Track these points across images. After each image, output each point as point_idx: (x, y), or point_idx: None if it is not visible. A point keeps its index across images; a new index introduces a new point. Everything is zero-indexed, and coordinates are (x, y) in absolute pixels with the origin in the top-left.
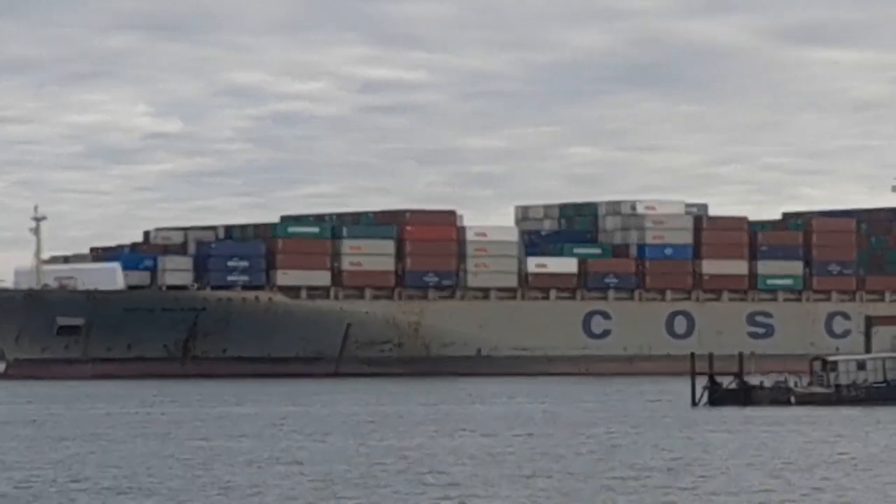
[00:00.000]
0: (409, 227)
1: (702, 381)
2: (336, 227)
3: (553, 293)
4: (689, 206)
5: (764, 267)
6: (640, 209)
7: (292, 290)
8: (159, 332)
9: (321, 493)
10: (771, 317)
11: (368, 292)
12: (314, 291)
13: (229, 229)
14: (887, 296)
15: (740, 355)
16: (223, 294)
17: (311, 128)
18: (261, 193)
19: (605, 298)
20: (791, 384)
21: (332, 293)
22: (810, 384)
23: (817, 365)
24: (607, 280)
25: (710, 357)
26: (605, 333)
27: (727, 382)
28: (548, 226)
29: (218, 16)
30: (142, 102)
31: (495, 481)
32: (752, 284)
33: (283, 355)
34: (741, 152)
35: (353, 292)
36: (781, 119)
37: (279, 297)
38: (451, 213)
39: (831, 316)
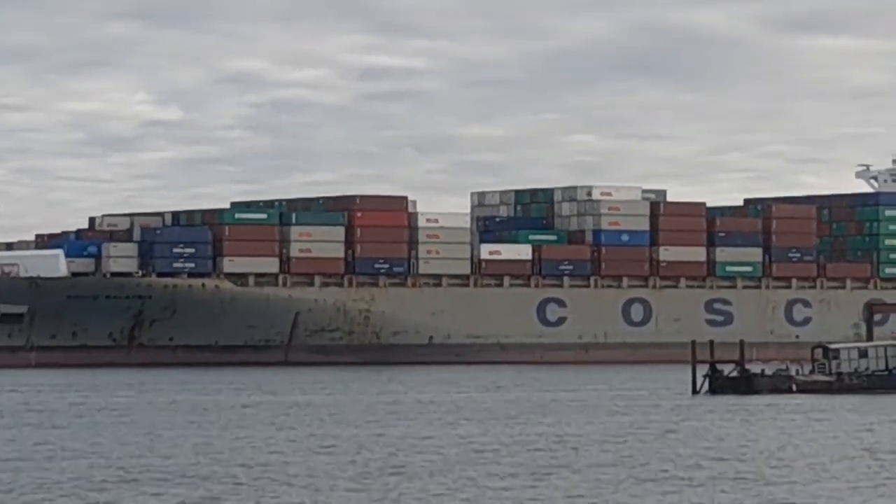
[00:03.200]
0: (359, 214)
1: (702, 369)
2: (285, 213)
3: (507, 280)
4: (646, 191)
5: (722, 254)
6: (595, 195)
7: (239, 278)
8: (104, 320)
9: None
10: (729, 304)
11: (318, 279)
12: (262, 279)
13: (176, 215)
14: (848, 283)
15: (741, 343)
16: (169, 281)
17: (310, 115)
18: (260, 181)
19: (560, 285)
20: (792, 372)
21: (280, 280)
22: (812, 372)
23: (819, 353)
24: (562, 267)
25: (711, 344)
26: (560, 321)
27: (728, 370)
28: (504, 212)
29: (217, 3)
30: (141, 90)
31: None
32: (710, 271)
33: (230, 343)
34: (740, 140)
35: (301, 279)
36: (781, 107)
37: (226, 285)
38: (402, 199)
39: (791, 303)
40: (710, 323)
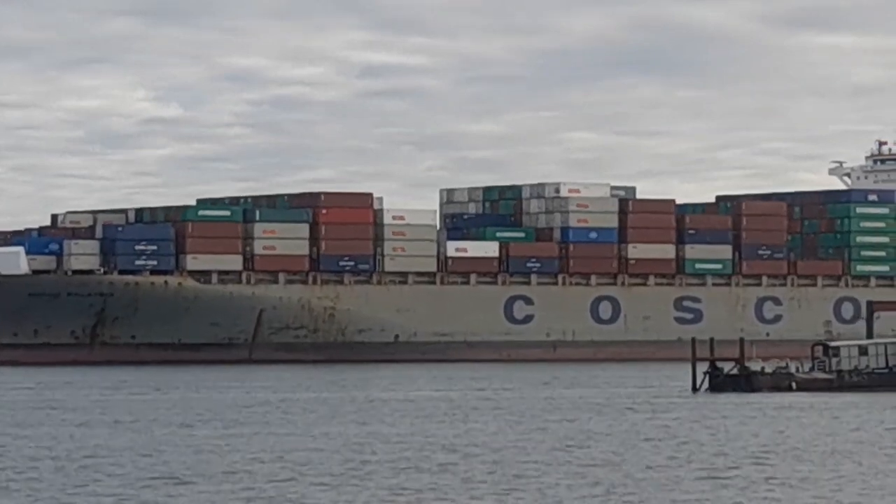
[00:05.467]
0: (324, 211)
1: (702, 367)
2: (248, 210)
3: (473, 278)
4: (614, 188)
5: (692, 251)
6: (563, 192)
7: (203, 275)
8: (66, 318)
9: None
10: (699, 302)
11: (282, 277)
12: (225, 276)
13: (140, 212)
14: (819, 281)
15: (741, 341)
16: (131, 279)
17: (310, 112)
18: (260, 178)
19: (527, 283)
20: (793, 370)
21: (244, 278)
22: (812, 370)
23: (819, 350)
24: (530, 264)
25: (711, 342)
26: (528, 319)
27: (728, 368)
28: (472, 209)
29: (217, 0)
30: (141, 87)
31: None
32: (679, 269)
33: (194, 341)
34: (740, 137)
35: (266, 277)
36: (780, 104)
37: (189, 282)
38: (368, 196)
39: (761, 301)
40: (680, 321)
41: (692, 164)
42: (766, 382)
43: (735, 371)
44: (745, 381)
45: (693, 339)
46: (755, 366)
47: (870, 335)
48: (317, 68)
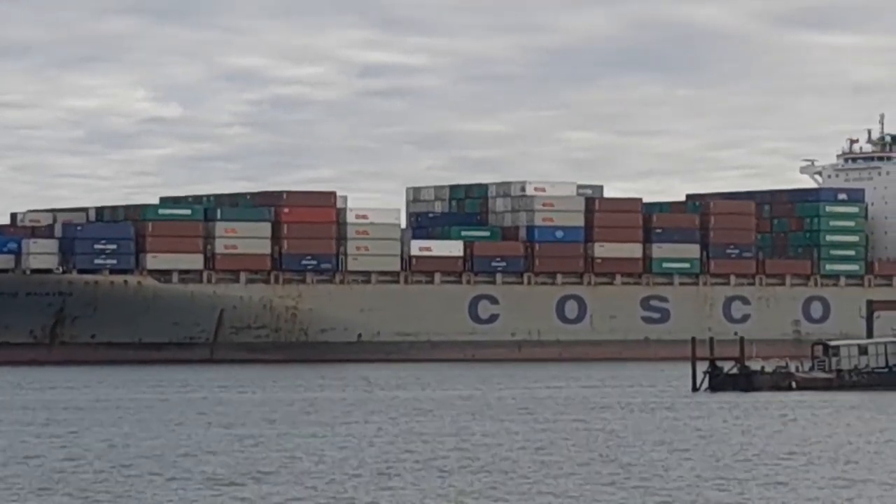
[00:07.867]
0: (286, 209)
1: (702, 366)
2: (210, 209)
3: (437, 277)
4: (581, 187)
5: (659, 250)
6: (529, 191)
7: (163, 274)
8: (25, 318)
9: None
10: (666, 301)
11: (243, 276)
12: (186, 275)
13: (100, 211)
14: (788, 280)
15: (741, 340)
16: (90, 278)
17: (309, 112)
18: (260, 178)
19: (492, 282)
20: (792, 369)
21: (204, 277)
22: (812, 369)
23: (819, 350)
24: (494, 263)
25: (711, 342)
26: (493, 318)
27: (728, 367)
28: (438, 208)
29: (217, 0)
30: (141, 87)
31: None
32: (646, 268)
33: (154, 340)
34: (740, 136)
35: (227, 276)
36: (781, 103)
37: (149, 281)
38: (331, 195)
39: (729, 300)
40: (647, 320)
41: (692, 164)
42: (767, 382)
43: (735, 370)
44: (746, 381)
45: (693, 339)
46: (755, 365)
47: (870, 335)
48: (316, 68)
